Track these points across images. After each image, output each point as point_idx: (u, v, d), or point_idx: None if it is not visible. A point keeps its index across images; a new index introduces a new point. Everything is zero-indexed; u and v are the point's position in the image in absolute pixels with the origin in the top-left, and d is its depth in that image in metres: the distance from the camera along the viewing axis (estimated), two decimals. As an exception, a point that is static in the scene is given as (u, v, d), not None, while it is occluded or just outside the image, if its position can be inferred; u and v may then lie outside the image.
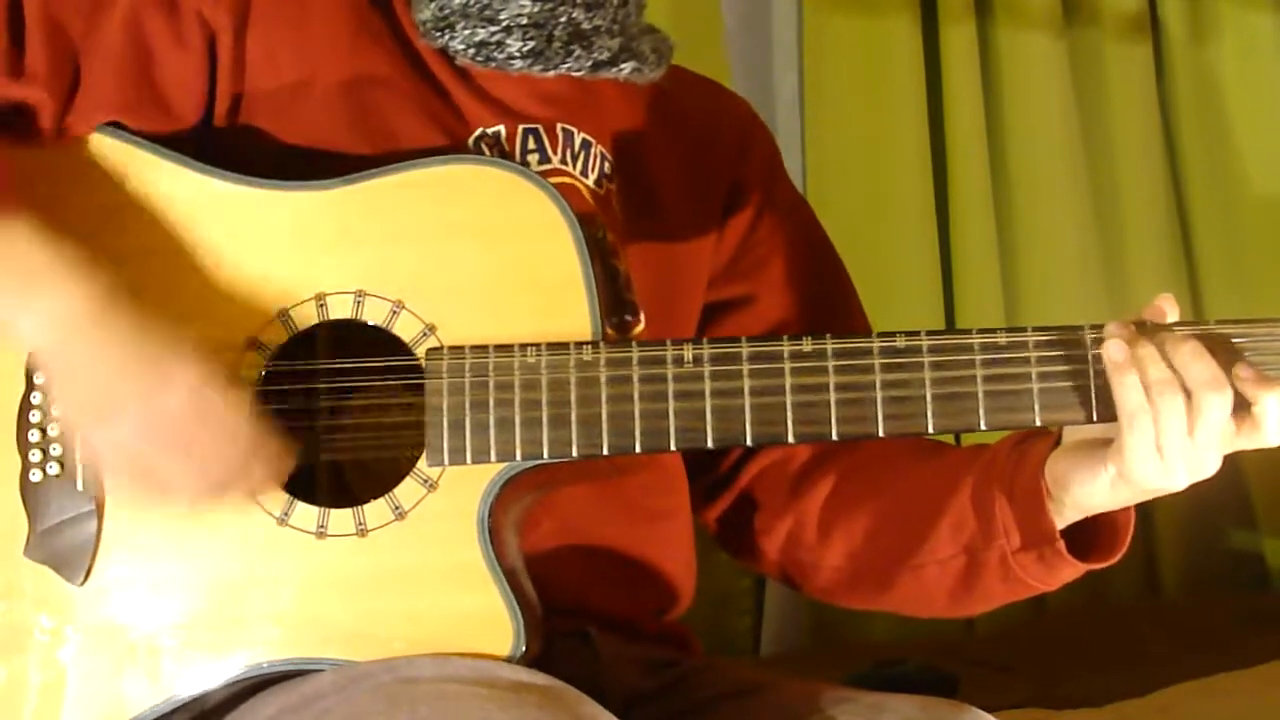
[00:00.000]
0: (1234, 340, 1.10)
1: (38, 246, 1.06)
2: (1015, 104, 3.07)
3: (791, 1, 2.93)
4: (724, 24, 2.78)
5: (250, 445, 1.09)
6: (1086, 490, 1.13)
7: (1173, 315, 1.12)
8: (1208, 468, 1.09)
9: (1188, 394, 1.07)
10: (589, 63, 1.24)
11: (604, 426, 1.11)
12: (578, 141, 1.26)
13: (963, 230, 2.99)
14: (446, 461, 1.12)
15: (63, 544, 1.12)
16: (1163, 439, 1.07)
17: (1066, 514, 1.16)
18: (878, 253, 2.82)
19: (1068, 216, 3.08)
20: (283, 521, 1.12)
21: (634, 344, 1.13)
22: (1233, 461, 1.11)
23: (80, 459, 1.12)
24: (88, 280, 1.07)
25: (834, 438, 1.12)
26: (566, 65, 1.23)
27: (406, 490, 1.12)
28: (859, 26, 2.90)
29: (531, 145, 1.24)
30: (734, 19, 2.85)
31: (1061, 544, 1.16)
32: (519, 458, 1.11)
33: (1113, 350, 1.09)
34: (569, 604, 1.21)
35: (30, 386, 1.14)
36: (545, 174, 1.20)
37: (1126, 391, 1.08)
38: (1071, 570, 1.18)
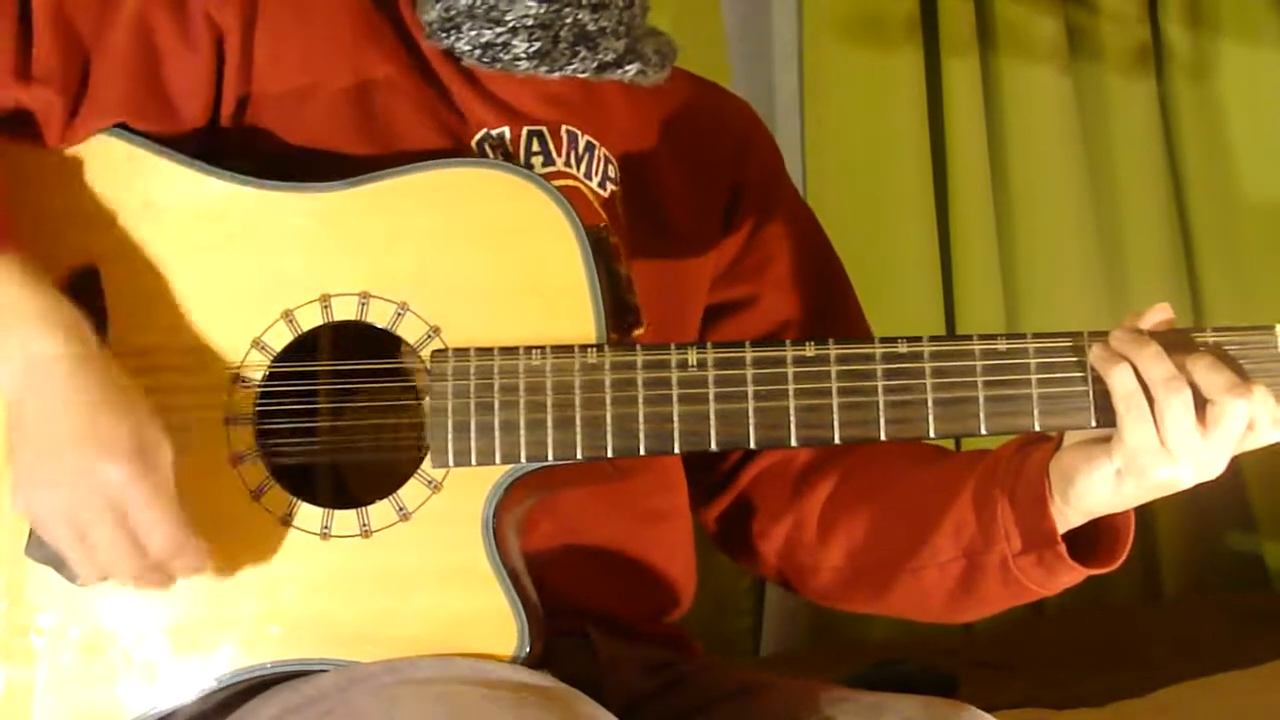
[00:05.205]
0: (1226, 348, 1.11)
1: (29, 290, 1.05)
2: (1016, 120, 3.06)
3: (791, 3, 2.93)
4: (724, 25, 2.78)
5: (188, 526, 1.07)
6: (1089, 485, 1.12)
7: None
8: (1216, 466, 1.09)
9: (1191, 386, 1.08)
10: (594, 64, 1.24)
11: (609, 429, 1.11)
12: (582, 144, 1.26)
13: (964, 239, 2.97)
14: (451, 463, 1.12)
15: None
16: (1165, 427, 1.08)
17: (1069, 516, 1.15)
18: (877, 257, 2.82)
19: (1070, 235, 3.06)
20: (286, 522, 1.12)
21: (638, 347, 1.13)
22: (1232, 463, 1.11)
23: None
24: (66, 333, 1.05)
25: (836, 441, 1.12)
26: (572, 66, 1.23)
27: (411, 491, 1.12)
28: (859, 42, 2.90)
29: (536, 147, 1.24)
30: (734, 20, 2.84)
31: (1062, 547, 1.15)
32: (524, 459, 1.12)
33: (1095, 351, 1.11)
34: (569, 605, 1.21)
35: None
36: (549, 176, 1.20)
37: (1119, 378, 1.09)
38: (1071, 575, 1.17)
